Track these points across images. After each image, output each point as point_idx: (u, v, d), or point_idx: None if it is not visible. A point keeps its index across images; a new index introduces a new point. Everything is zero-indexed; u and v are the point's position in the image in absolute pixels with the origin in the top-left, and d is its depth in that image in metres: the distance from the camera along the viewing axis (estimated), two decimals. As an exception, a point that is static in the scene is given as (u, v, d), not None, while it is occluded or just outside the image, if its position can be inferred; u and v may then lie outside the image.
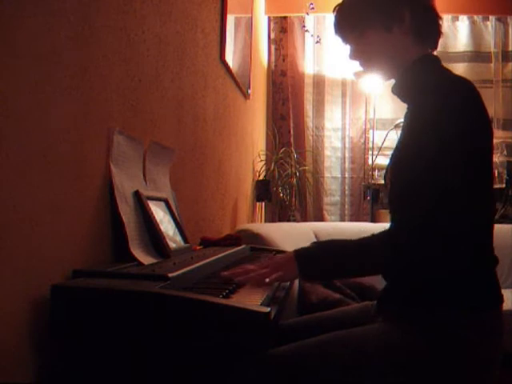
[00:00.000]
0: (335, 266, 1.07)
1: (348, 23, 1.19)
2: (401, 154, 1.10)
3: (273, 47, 4.14)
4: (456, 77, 1.08)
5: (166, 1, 1.56)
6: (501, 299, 1.05)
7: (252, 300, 0.95)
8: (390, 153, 1.19)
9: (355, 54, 1.20)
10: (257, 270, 1.07)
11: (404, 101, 1.20)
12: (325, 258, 1.06)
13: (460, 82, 1.05)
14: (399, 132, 1.30)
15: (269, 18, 4.09)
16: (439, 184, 0.98)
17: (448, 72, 1.12)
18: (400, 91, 1.19)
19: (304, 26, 4.05)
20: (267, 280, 1.04)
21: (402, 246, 1.01)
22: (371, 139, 4.04)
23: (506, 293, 1.05)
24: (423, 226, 0.99)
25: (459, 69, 3.91)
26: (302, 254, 1.07)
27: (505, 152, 3.90)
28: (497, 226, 1.11)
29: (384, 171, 1.27)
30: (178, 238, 1.45)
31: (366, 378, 0.97)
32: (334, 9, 1.22)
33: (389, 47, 1.16)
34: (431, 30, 1.17)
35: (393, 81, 1.21)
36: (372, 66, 1.20)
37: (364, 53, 1.19)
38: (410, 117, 1.12)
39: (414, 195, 1.01)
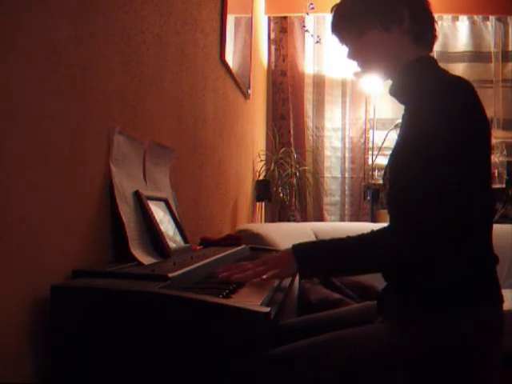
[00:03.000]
0: (335, 262, 1.07)
1: (346, 23, 1.18)
2: (399, 155, 1.10)
3: (273, 47, 4.14)
4: (454, 78, 1.08)
5: (166, 1, 1.56)
6: (501, 298, 1.05)
7: (252, 300, 0.94)
8: (389, 153, 1.19)
9: (353, 54, 1.20)
10: (253, 268, 1.08)
11: (401, 102, 1.19)
12: (324, 253, 1.07)
13: (458, 83, 1.05)
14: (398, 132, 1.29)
15: (269, 17, 4.09)
16: (438, 185, 0.98)
17: (445, 73, 1.12)
18: (397, 92, 1.19)
19: (304, 26, 4.05)
20: (264, 277, 1.05)
21: (402, 245, 1.01)
22: (371, 139, 4.04)
23: (506, 293, 1.05)
24: (423, 226, 0.99)
25: (459, 69, 3.91)
26: (300, 250, 1.07)
27: (505, 152, 3.90)
28: (497, 226, 1.11)
29: (383, 172, 1.27)
30: (178, 238, 1.45)
31: (366, 377, 0.97)
32: (332, 9, 1.22)
33: (387, 48, 1.15)
34: (429, 31, 1.17)
35: (390, 81, 1.21)
36: (370, 66, 1.20)
37: (362, 53, 1.19)
38: (408, 119, 1.12)
39: (412, 196, 1.01)
